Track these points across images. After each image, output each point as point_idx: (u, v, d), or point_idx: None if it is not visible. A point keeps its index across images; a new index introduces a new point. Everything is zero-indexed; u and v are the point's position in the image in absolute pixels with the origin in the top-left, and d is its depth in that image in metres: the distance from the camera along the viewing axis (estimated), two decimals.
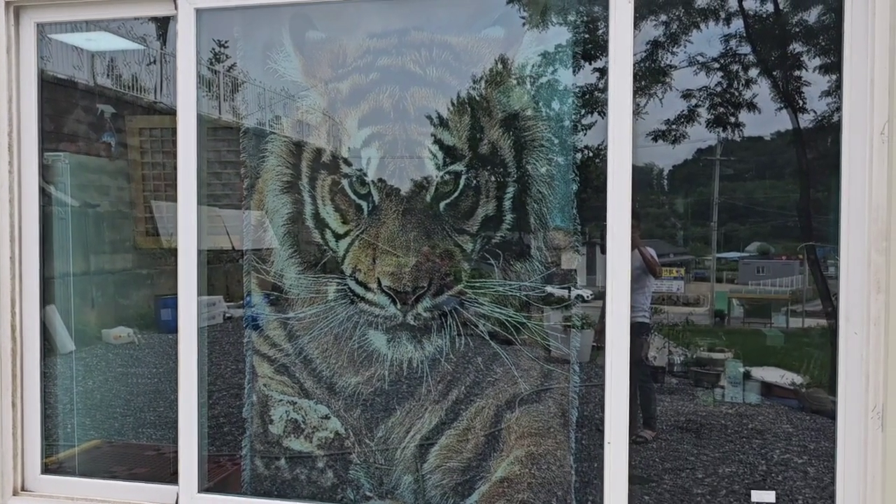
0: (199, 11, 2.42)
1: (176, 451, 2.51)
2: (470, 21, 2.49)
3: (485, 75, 2.51)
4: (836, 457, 2.10)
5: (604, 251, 2.20)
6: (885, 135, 1.92)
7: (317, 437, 2.64)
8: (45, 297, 2.71)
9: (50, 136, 2.80)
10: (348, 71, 2.55)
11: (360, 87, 2.54)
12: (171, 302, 2.47)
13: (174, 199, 2.45)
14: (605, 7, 2.16)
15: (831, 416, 2.18)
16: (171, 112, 2.45)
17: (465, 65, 2.50)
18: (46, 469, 2.69)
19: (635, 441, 4.78)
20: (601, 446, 2.21)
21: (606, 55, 2.16)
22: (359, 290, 2.57)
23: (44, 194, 2.68)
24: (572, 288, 2.74)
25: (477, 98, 2.52)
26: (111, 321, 5.67)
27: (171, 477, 2.54)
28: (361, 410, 2.61)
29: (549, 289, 2.61)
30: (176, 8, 2.42)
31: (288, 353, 2.67)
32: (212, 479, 2.60)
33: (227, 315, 5.48)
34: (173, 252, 2.45)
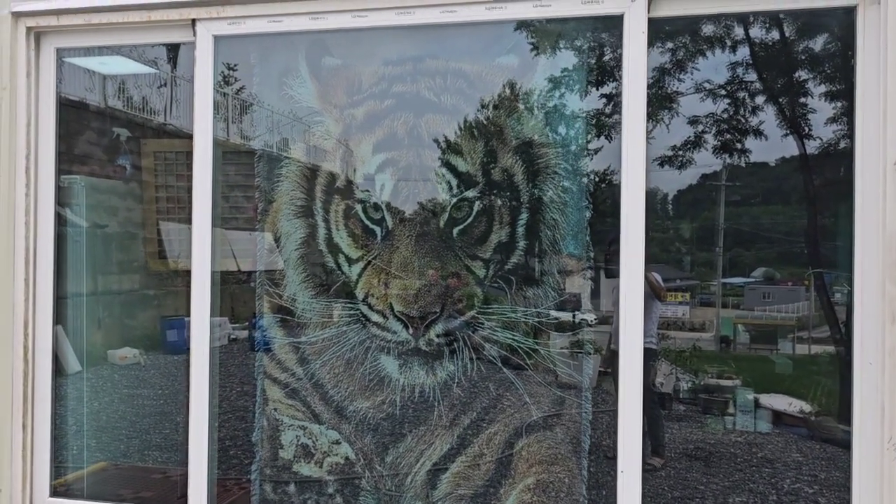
0: (217, 38, 2.45)
1: (182, 474, 2.49)
2: (484, 49, 2.52)
3: (498, 102, 2.54)
4: (851, 489, 2.08)
5: (608, 275, 2.21)
6: None
7: (327, 462, 2.62)
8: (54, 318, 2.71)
9: (63, 158, 2.82)
10: (363, 97, 2.58)
11: (374, 113, 2.56)
12: (178, 323, 2.47)
13: (184, 221, 2.45)
14: (619, 36, 2.18)
15: (841, 444, 2.17)
16: (181, 134, 2.47)
17: (480, 92, 2.53)
18: (55, 492, 2.68)
19: (644, 469, 4.72)
20: (610, 473, 2.20)
21: (619, 81, 2.18)
22: (371, 314, 2.57)
23: (58, 216, 2.70)
24: (577, 313, 2.73)
25: (490, 125, 2.54)
26: (117, 342, 5.66)
27: (179, 501, 2.52)
28: (372, 436, 2.59)
29: (553, 314, 2.61)
30: (195, 35, 2.45)
31: (299, 378, 2.66)
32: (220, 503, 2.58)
33: (232, 336, 5.47)
34: (180, 273, 2.45)
